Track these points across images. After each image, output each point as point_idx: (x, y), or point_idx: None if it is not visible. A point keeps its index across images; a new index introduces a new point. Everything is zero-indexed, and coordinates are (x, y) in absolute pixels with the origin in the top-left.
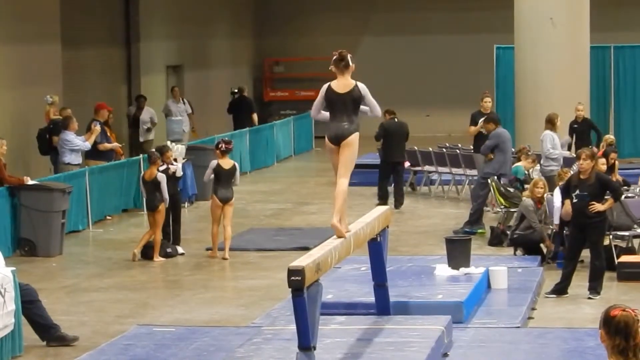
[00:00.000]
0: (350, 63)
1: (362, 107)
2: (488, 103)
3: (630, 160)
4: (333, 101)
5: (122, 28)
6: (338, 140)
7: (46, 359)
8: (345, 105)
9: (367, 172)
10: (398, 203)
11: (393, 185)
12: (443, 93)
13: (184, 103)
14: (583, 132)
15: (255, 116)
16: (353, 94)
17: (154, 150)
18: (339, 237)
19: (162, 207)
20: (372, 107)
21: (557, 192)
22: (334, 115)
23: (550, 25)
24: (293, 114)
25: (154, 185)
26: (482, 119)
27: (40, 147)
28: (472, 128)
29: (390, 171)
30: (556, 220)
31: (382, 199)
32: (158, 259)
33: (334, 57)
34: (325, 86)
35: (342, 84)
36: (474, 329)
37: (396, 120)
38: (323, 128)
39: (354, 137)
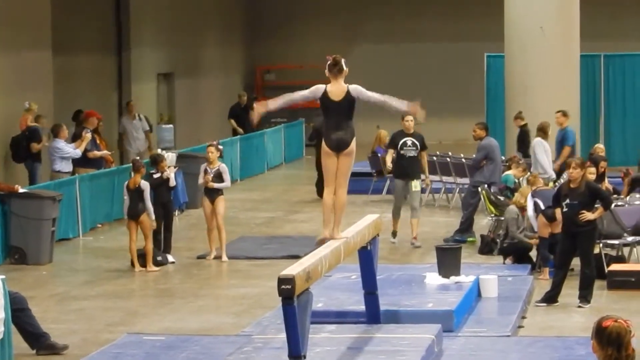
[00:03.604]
0: (344, 68)
1: (387, 102)
2: (409, 122)
3: (620, 169)
4: (329, 108)
5: (113, 35)
6: (339, 149)
7: None
8: (340, 113)
9: (359, 180)
10: None
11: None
12: (434, 101)
13: (140, 119)
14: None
15: (230, 121)
16: (348, 99)
17: (137, 158)
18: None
19: (145, 217)
20: (388, 100)
21: (529, 200)
22: (329, 123)
23: (540, 34)
24: (284, 121)
25: (137, 193)
26: (475, 124)
27: (15, 155)
28: (388, 160)
29: None
30: (535, 228)
31: (318, 187)
32: (152, 268)
33: (328, 62)
34: (321, 89)
35: (337, 90)
36: (464, 338)
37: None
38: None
39: (353, 146)
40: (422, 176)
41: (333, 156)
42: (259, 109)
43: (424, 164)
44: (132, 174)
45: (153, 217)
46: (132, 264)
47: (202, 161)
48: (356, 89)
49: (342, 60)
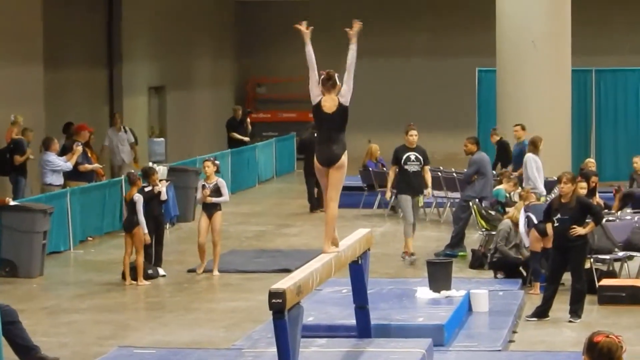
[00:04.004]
0: (337, 82)
1: (352, 63)
2: (414, 137)
3: (611, 184)
4: (322, 121)
5: (104, 49)
6: (329, 163)
7: None
8: (332, 126)
9: (350, 194)
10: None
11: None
12: (425, 116)
13: (125, 132)
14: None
15: (232, 135)
16: (340, 111)
17: (132, 171)
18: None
19: (138, 230)
20: (350, 62)
21: (522, 214)
22: (321, 136)
23: (532, 49)
24: (275, 135)
25: (131, 206)
26: (467, 138)
27: (0, 168)
28: (391, 176)
29: (315, 179)
30: (526, 243)
31: (311, 202)
32: (142, 282)
33: (322, 77)
34: (319, 97)
35: (330, 103)
36: (455, 352)
37: (315, 134)
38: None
39: (344, 159)
40: (425, 191)
41: (324, 172)
42: (305, 30)
43: (428, 179)
44: (129, 187)
45: (145, 230)
46: (124, 277)
47: (193, 174)
48: (341, 93)
49: (336, 75)
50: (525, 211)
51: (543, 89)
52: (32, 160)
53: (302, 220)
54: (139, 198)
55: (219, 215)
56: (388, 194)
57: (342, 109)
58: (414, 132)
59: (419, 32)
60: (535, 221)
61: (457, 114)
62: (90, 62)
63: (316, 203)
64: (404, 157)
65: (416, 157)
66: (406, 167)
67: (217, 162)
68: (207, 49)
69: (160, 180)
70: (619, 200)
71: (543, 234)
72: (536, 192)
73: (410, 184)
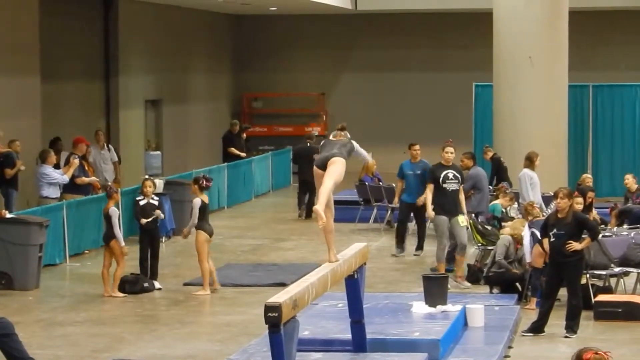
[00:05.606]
0: (347, 134)
1: (358, 152)
2: (451, 154)
3: (607, 199)
4: (326, 144)
5: (101, 62)
6: (325, 164)
7: None
8: (338, 146)
9: (346, 209)
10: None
11: (307, 197)
12: (422, 130)
13: (108, 150)
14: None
15: (230, 150)
16: (347, 143)
17: (109, 184)
18: (321, 222)
19: (115, 244)
20: (364, 155)
21: (526, 229)
22: (324, 150)
23: (528, 64)
24: (271, 149)
25: (107, 219)
26: (463, 153)
27: None
28: (429, 196)
29: (306, 188)
30: (528, 258)
31: (300, 207)
32: (117, 294)
33: (337, 129)
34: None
35: (340, 137)
36: None
37: (308, 144)
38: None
39: (339, 158)
40: (463, 215)
41: (321, 175)
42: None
43: (462, 201)
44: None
45: (122, 243)
46: (124, 290)
47: (189, 188)
48: (355, 143)
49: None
50: (530, 227)
51: (539, 104)
52: (24, 172)
53: (298, 234)
54: (114, 212)
55: (198, 235)
56: (431, 214)
57: (349, 144)
58: (450, 149)
59: (416, 47)
60: (540, 237)
61: (453, 129)
62: (87, 75)
63: (306, 210)
64: (442, 175)
65: (454, 175)
66: (445, 185)
67: (203, 182)
68: (204, 63)
69: (155, 211)
70: (615, 217)
71: None
72: None
73: (448, 204)
